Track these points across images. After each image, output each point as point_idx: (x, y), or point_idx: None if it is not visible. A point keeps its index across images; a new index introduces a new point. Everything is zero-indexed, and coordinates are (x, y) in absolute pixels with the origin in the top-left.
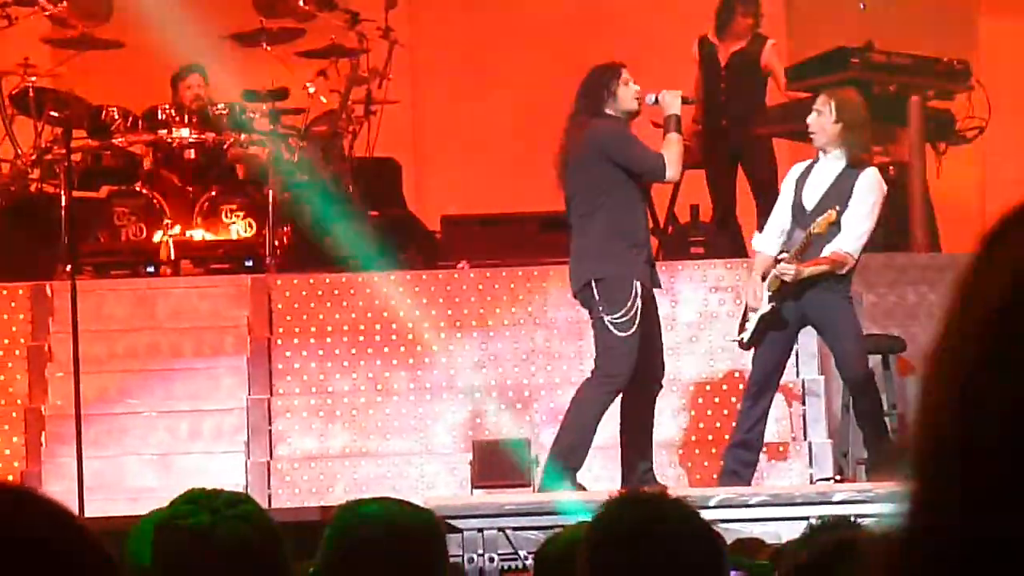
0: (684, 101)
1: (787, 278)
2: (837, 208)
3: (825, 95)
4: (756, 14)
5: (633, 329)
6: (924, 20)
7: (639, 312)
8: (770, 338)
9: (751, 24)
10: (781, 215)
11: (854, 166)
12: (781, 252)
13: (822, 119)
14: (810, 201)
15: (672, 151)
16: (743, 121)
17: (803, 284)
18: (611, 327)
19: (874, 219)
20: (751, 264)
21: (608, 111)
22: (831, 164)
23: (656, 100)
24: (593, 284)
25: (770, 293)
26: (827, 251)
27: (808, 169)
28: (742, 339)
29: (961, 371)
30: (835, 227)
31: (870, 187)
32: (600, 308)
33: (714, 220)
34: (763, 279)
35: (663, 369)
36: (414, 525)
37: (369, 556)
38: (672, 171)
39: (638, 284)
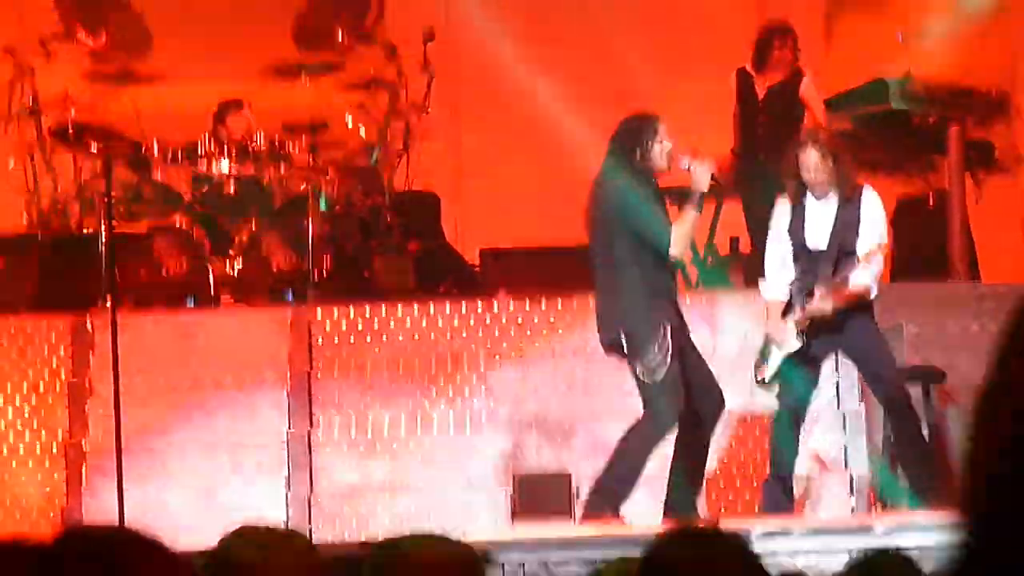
0: (713, 179)
1: (825, 314)
2: (879, 243)
3: (813, 150)
4: (794, 47)
5: (662, 373)
6: (963, 50)
7: (667, 356)
8: (799, 372)
9: (789, 57)
10: (778, 258)
11: (851, 196)
12: (805, 291)
13: (820, 172)
14: (818, 241)
15: (684, 228)
16: (781, 154)
17: (834, 317)
18: (642, 374)
19: (886, 242)
20: (767, 308)
21: (636, 164)
22: (826, 202)
23: (688, 167)
24: (623, 338)
25: (800, 330)
26: (853, 284)
27: (798, 211)
28: (763, 378)
29: (1014, 418)
30: (853, 240)
31: (876, 209)
32: (631, 358)
33: (753, 251)
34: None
35: (719, 399)
36: (453, 561)
37: None
38: (676, 249)
39: (666, 329)
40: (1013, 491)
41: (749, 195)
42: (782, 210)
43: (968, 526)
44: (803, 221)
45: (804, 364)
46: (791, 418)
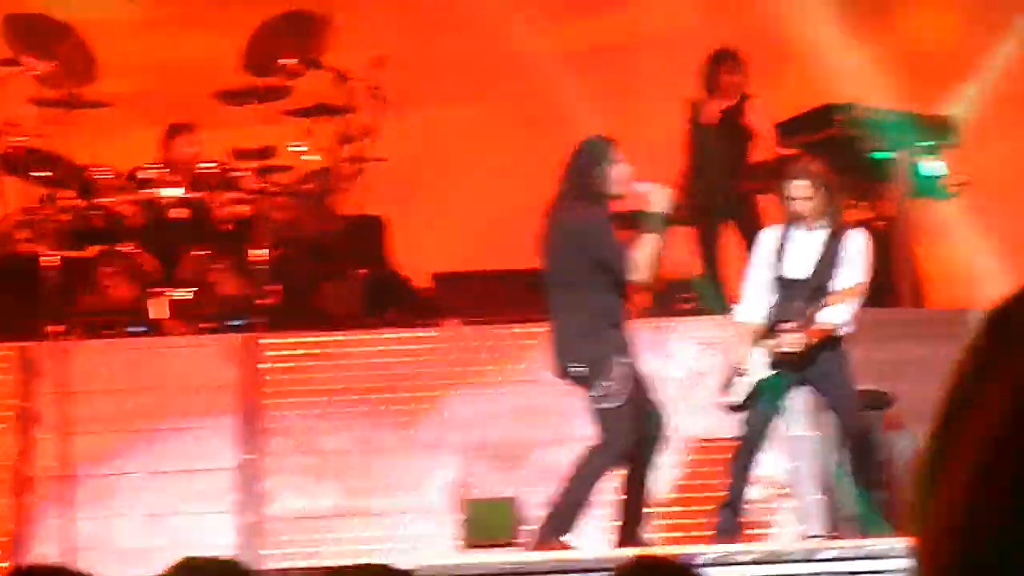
0: (671, 206)
1: (796, 349)
2: (859, 282)
3: (804, 177)
4: (743, 72)
5: (615, 401)
6: (910, 77)
7: (619, 384)
8: (764, 400)
9: (737, 82)
10: (760, 284)
11: (837, 232)
12: (779, 322)
13: (811, 202)
14: (797, 271)
15: (646, 252)
16: (730, 177)
17: (805, 352)
18: (600, 403)
19: (866, 282)
20: (736, 332)
21: (595, 189)
22: (814, 234)
23: (645, 191)
24: (578, 365)
25: (771, 360)
26: (825, 320)
27: (784, 238)
28: (732, 403)
29: (967, 465)
30: (832, 276)
31: (860, 252)
32: (585, 386)
33: (703, 276)
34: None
35: (662, 431)
36: None
37: None
38: (642, 274)
39: (619, 359)
40: (969, 517)
41: (699, 220)
42: (768, 236)
43: (922, 553)
44: (787, 251)
45: (773, 394)
46: (752, 445)
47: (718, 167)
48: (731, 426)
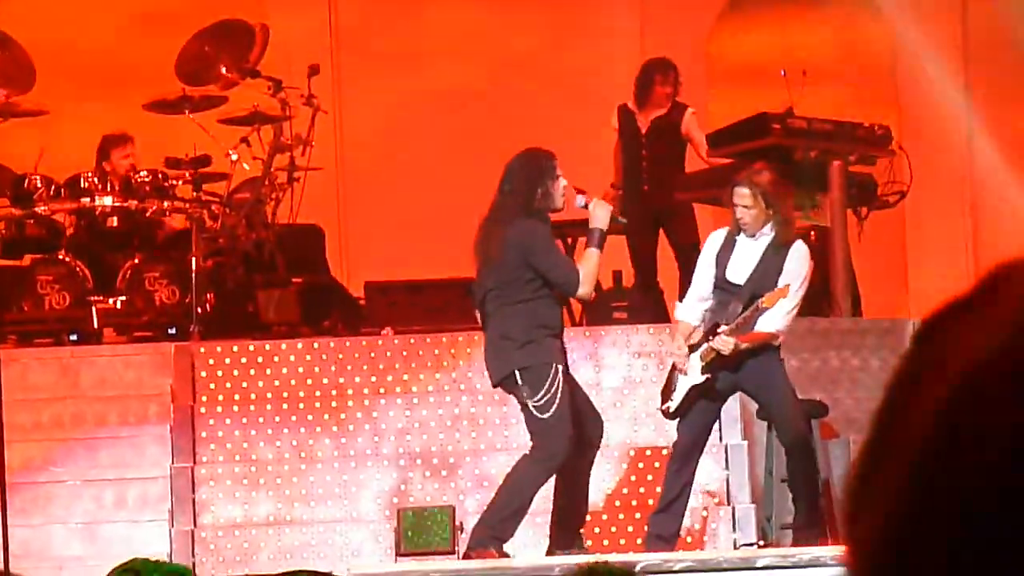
0: (613, 220)
1: (726, 351)
2: (789, 284)
3: (746, 188)
4: (675, 82)
5: (553, 409)
6: (846, 85)
7: (558, 392)
8: (700, 407)
9: (670, 92)
10: (702, 285)
11: (782, 242)
12: (715, 324)
13: (752, 211)
14: (738, 276)
15: (589, 266)
16: (664, 187)
17: (737, 358)
18: (534, 411)
19: (802, 295)
20: (673, 330)
21: (533, 202)
22: (757, 242)
23: (586, 206)
24: (517, 374)
25: (704, 364)
26: (760, 326)
27: (729, 242)
28: (668, 408)
29: (899, 474)
30: (772, 286)
31: (800, 264)
32: (524, 395)
33: (636, 285)
34: (688, 346)
35: (599, 436)
36: None
37: None
38: (585, 289)
39: (557, 367)
40: (900, 527)
41: (632, 229)
42: (715, 238)
43: (853, 562)
44: (730, 255)
45: (706, 400)
46: (688, 453)
47: (651, 177)
48: (667, 434)
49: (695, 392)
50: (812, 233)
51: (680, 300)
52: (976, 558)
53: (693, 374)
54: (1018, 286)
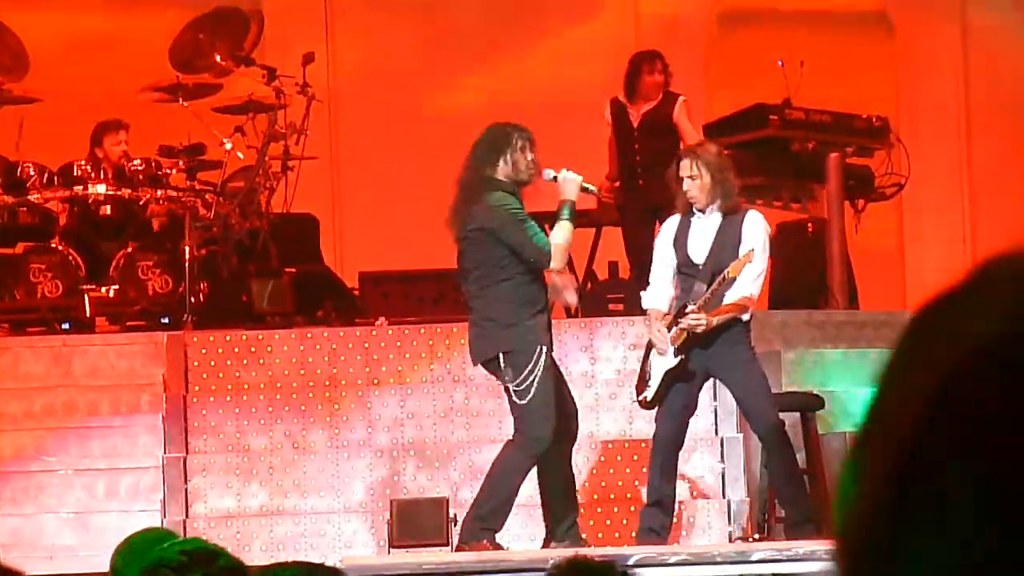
0: (584, 189)
1: (700, 329)
2: (753, 249)
3: (688, 159)
4: (663, 72)
5: (534, 393)
6: (843, 77)
7: (537, 378)
8: (675, 393)
9: (659, 83)
10: (664, 272)
11: (732, 212)
12: (683, 306)
13: (697, 182)
14: (699, 255)
15: (560, 239)
16: (658, 179)
17: (708, 339)
18: (515, 395)
19: (767, 258)
20: (647, 320)
21: (500, 176)
22: (709, 216)
23: (554, 178)
24: (501, 357)
25: (675, 347)
26: (729, 298)
27: (684, 224)
28: (645, 398)
29: (887, 460)
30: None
31: (757, 229)
32: (506, 377)
33: (632, 277)
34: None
35: (577, 425)
36: None
37: None
38: (557, 262)
39: (542, 350)
40: (888, 513)
41: (628, 221)
42: (670, 223)
43: (842, 556)
44: (687, 236)
45: (681, 384)
46: (669, 442)
47: (644, 170)
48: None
49: (670, 376)
50: (810, 225)
51: (643, 290)
52: (964, 541)
53: (667, 359)
54: (1009, 276)
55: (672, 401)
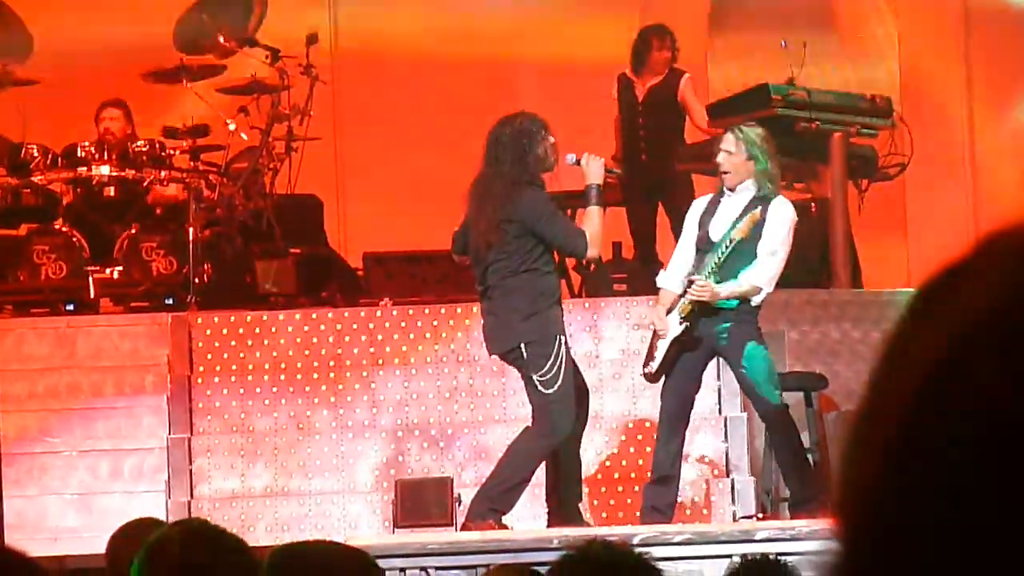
0: (608, 171)
1: (704, 298)
2: (760, 208)
3: (731, 134)
4: (671, 48)
5: (559, 384)
6: (847, 57)
7: (563, 365)
8: (680, 368)
9: (667, 58)
10: (685, 251)
11: (763, 198)
12: (692, 280)
13: (734, 158)
14: (718, 234)
15: (594, 226)
16: (663, 156)
17: (715, 317)
18: (540, 385)
19: (786, 251)
20: (656, 300)
21: (528, 170)
22: (738, 197)
23: (577, 162)
24: (523, 348)
25: (681, 317)
26: (741, 277)
27: (712, 203)
28: (650, 370)
29: (887, 432)
30: (753, 242)
31: (780, 219)
32: (528, 368)
33: (636, 257)
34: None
35: (587, 408)
36: (352, 567)
37: None
38: (594, 250)
39: (561, 339)
40: (887, 486)
41: (631, 199)
42: (699, 203)
43: (842, 535)
44: (712, 216)
45: (687, 359)
46: (674, 418)
47: (648, 147)
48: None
49: (675, 347)
50: (813, 205)
51: (664, 268)
52: (963, 514)
53: (672, 332)
54: (1011, 249)
55: (677, 376)
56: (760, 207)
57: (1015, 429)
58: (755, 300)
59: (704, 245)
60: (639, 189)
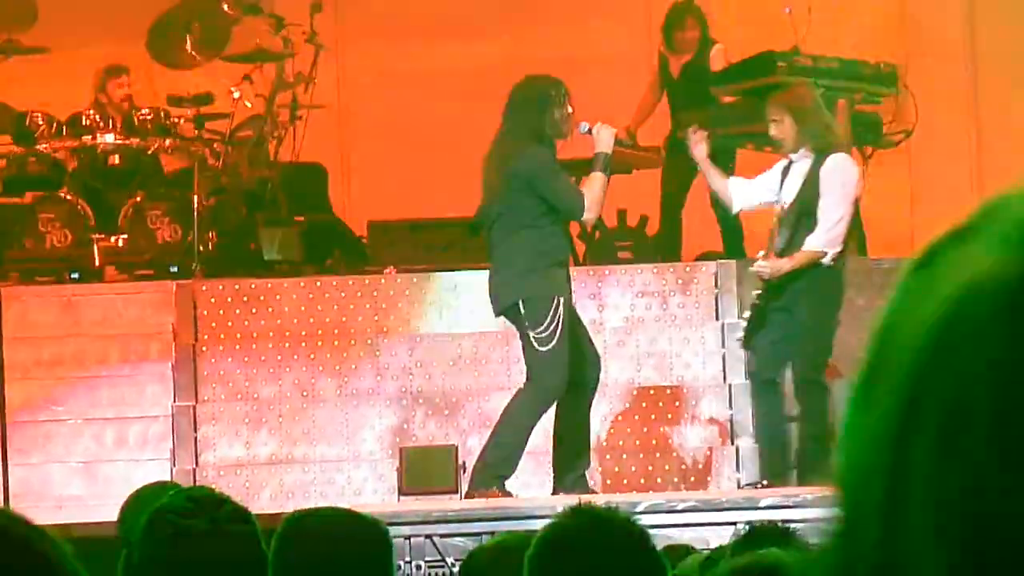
0: (619, 143)
1: (764, 275)
2: (812, 171)
3: (774, 104)
4: (697, 27)
5: (554, 343)
6: (852, 24)
7: (560, 325)
8: (759, 338)
9: (694, 36)
10: (764, 186)
11: (823, 154)
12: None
13: (782, 127)
14: (788, 198)
15: (594, 191)
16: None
17: (794, 277)
18: (535, 342)
19: (847, 205)
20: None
21: (539, 130)
22: (800, 160)
23: (589, 131)
24: (520, 304)
25: (756, 292)
26: (805, 246)
27: (786, 168)
28: (742, 338)
29: (889, 394)
30: (814, 203)
31: (834, 174)
32: (525, 325)
33: (659, 230)
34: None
35: (597, 375)
36: (364, 536)
37: (321, 564)
38: (591, 213)
39: (560, 300)
40: (886, 448)
41: (665, 171)
42: (779, 164)
43: (844, 495)
44: (783, 180)
45: (759, 328)
46: (758, 384)
47: (687, 120)
48: (669, 374)
49: (754, 317)
50: None
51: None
52: (963, 474)
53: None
54: (1014, 210)
55: (758, 346)
56: (818, 169)
57: (1018, 381)
58: (826, 260)
59: (780, 212)
60: (673, 163)
